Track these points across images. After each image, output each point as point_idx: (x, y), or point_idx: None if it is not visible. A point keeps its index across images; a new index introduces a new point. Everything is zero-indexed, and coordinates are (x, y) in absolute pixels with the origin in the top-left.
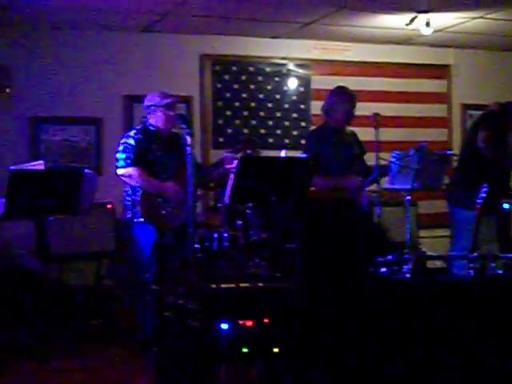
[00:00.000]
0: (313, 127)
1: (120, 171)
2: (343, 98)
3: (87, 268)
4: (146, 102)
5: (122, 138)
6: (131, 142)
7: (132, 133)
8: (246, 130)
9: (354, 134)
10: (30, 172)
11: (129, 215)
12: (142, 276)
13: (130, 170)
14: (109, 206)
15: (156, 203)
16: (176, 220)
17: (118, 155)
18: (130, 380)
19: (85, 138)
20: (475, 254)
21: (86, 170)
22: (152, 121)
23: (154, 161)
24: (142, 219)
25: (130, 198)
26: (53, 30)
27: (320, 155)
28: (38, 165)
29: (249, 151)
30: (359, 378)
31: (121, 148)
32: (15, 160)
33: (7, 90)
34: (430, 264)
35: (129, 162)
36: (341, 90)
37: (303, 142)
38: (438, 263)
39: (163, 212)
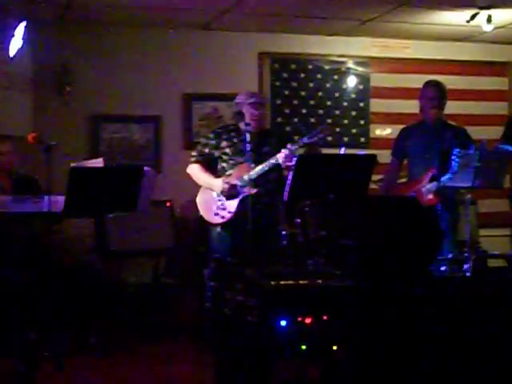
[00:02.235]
0: (373, 125)
1: (187, 169)
2: (422, 93)
3: (145, 265)
4: (235, 100)
5: None
6: (202, 140)
7: (209, 131)
8: (304, 128)
9: (454, 130)
10: (90, 169)
11: None
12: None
13: (190, 167)
14: (167, 204)
15: (208, 200)
16: (228, 217)
17: None
18: (189, 376)
19: (144, 136)
20: None
21: (145, 168)
22: (237, 118)
23: (221, 157)
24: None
25: None
26: (112, 28)
27: (404, 151)
28: (98, 162)
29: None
30: (419, 376)
31: None
32: (75, 157)
33: (68, 89)
34: (491, 263)
35: (192, 159)
36: (423, 86)
37: (362, 139)
38: (499, 262)
39: (214, 209)
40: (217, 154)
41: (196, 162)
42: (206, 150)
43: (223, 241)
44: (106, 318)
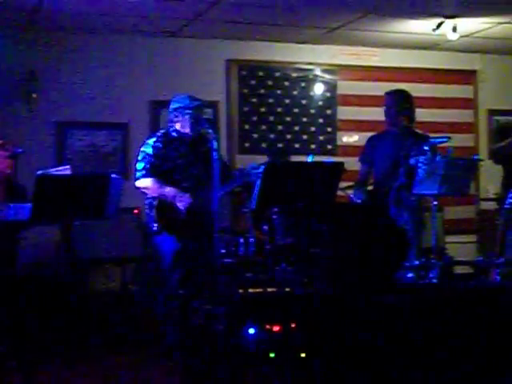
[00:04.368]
0: (340, 133)
1: (137, 183)
2: (385, 101)
3: (113, 273)
4: (173, 105)
5: (141, 146)
6: (149, 150)
7: (151, 141)
8: (272, 135)
9: (416, 137)
10: (57, 177)
11: (149, 223)
12: (165, 282)
13: (146, 182)
14: (135, 211)
15: (172, 212)
16: (195, 229)
17: (136, 165)
18: None
19: (111, 143)
20: (501, 260)
21: (112, 175)
22: (177, 125)
23: (174, 169)
24: (157, 227)
25: (149, 207)
26: (80, 34)
27: (370, 158)
28: (65, 169)
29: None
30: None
31: (139, 157)
32: (42, 165)
33: (34, 95)
34: (457, 269)
35: (144, 172)
36: (386, 95)
37: (329, 147)
38: (465, 269)
39: (180, 221)
40: (168, 165)
41: (151, 174)
42: (157, 162)
43: (167, 245)
44: (71, 326)
